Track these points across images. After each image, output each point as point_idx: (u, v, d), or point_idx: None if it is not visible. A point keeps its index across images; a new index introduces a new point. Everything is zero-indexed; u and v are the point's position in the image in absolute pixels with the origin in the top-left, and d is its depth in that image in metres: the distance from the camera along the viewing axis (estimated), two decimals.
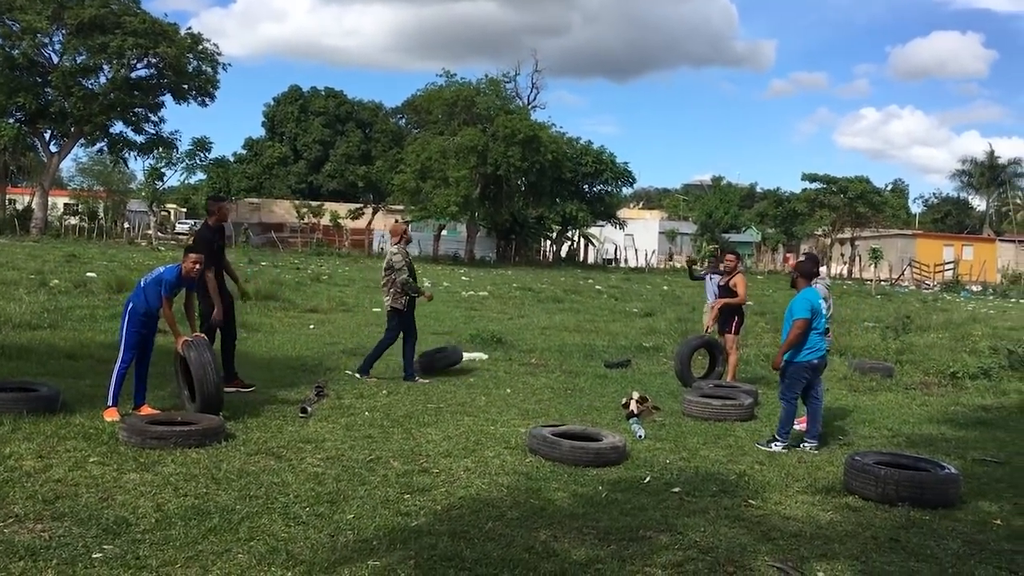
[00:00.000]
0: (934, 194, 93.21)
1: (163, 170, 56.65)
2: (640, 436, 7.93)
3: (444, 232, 54.09)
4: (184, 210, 76.56)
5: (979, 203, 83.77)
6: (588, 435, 7.25)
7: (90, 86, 48.26)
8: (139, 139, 52.67)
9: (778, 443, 7.77)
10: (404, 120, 63.87)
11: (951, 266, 55.36)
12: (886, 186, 65.88)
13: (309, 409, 8.01)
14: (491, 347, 13.49)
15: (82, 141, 51.55)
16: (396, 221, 11.37)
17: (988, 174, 77.47)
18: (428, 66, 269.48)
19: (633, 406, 8.72)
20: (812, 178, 61.77)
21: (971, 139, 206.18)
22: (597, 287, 31.30)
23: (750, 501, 6.12)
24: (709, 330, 11.79)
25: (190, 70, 50.14)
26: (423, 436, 7.47)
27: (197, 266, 7.68)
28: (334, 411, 8.22)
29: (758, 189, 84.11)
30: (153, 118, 52.39)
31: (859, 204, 59.19)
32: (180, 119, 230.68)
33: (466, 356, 11.78)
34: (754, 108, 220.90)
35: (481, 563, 4.65)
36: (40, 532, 4.70)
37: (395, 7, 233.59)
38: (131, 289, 8.31)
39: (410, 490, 5.89)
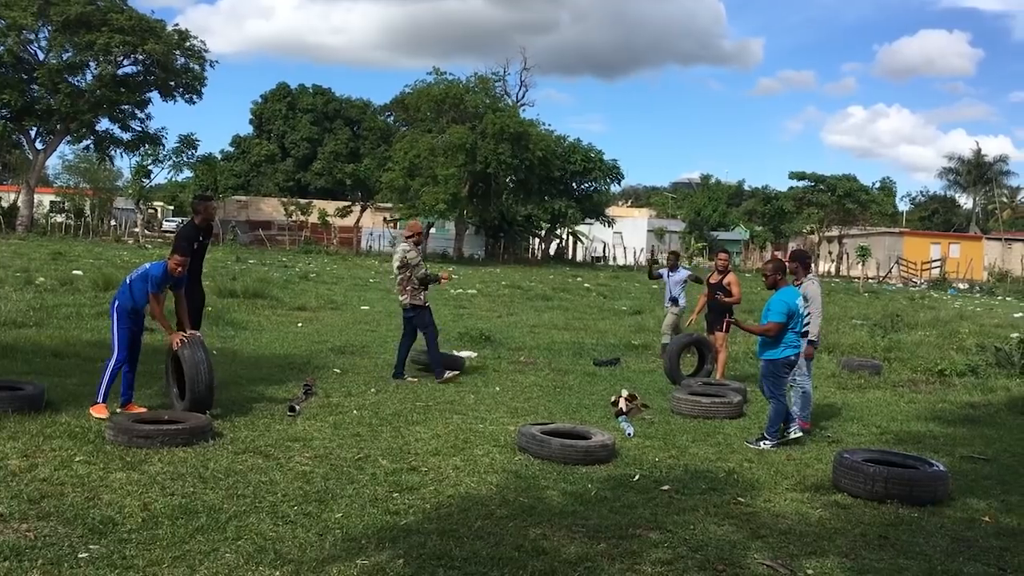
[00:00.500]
0: (921, 192, 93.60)
1: (150, 168, 56.30)
2: (629, 434, 7.94)
3: (433, 230, 53.95)
4: (171, 208, 76.12)
5: (966, 201, 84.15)
6: (577, 433, 7.26)
7: (76, 83, 48.03)
8: (126, 136, 52.64)
9: (767, 441, 7.80)
10: (392, 118, 63.57)
11: (938, 264, 55.63)
12: (873, 184, 65.94)
13: (297, 408, 7.97)
14: (480, 345, 13.47)
15: (68, 138, 51.32)
16: (412, 220, 11.28)
17: (975, 172, 77.79)
18: (416, 63, 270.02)
19: (622, 404, 8.73)
20: (800, 176, 62.27)
21: (958, 137, 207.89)
22: (586, 285, 31.31)
23: (739, 498, 6.13)
24: (692, 323, 12.03)
25: (177, 67, 49.99)
26: (412, 434, 7.45)
27: (180, 268, 7.63)
28: (322, 410, 8.19)
29: (746, 187, 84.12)
30: (140, 115, 52.33)
31: (847, 202, 59.58)
32: (167, 116, 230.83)
33: (455, 355, 11.75)
34: (742, 106, 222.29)
35: (470, 561, 4.63)
36: (25, 532, 4.65)
37: (383, 4, 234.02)
38: (117, 287, 8.25)
39: (399, 488, 5.87)
